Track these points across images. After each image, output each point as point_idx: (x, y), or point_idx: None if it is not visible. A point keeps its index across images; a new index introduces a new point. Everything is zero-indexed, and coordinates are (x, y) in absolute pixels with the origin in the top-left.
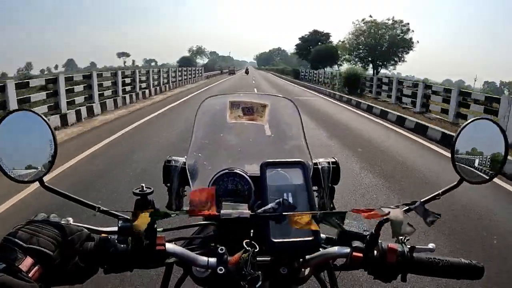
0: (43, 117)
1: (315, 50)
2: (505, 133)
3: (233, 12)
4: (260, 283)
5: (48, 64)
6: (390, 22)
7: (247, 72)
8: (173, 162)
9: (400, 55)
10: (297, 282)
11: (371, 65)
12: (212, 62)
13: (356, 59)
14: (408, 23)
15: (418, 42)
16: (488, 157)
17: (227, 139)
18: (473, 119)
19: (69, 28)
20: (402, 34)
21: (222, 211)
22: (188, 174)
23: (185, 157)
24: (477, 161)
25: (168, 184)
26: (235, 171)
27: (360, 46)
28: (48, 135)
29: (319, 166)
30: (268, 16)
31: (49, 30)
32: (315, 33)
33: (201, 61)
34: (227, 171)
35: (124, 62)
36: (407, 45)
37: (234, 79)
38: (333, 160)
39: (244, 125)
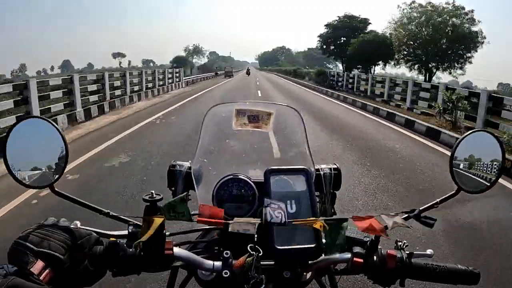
0: (54, 124)
1: (359, 42)
2: (502, 144)
3: (233, 12)
4: (263, 286)
5: (47, 65)
6: (450, 7)
7: (248, 73)
8: (178, 166)
9: (465, 55)
10: (299, 286)
11: (415, 65)
12: (211, 62)
13: (400, 58)
14: (472, 10)
15: (485, 38)
16: (486, 167)
17: (232, 146)
18: (471, 131)
19: (69, 28)
20: (467, 25)
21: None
22: (194, 179)
23: (190, 162)
24: (475, 171)
25: (173, 188)
26: (239, 176)
27: (409, 42)
28: (59, 141)
29: (321, 172)
30: (269, 16)
31: (49, 30)
32: (349, 18)
33: (199, 61)
34: (231, 176)
35: (120, 63)
36: (475, 41)
37: (231, 84)
38: (335, 166)
39: (249, 132)
